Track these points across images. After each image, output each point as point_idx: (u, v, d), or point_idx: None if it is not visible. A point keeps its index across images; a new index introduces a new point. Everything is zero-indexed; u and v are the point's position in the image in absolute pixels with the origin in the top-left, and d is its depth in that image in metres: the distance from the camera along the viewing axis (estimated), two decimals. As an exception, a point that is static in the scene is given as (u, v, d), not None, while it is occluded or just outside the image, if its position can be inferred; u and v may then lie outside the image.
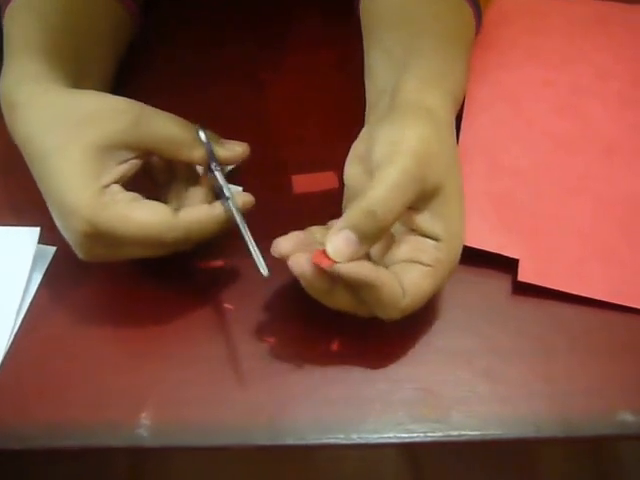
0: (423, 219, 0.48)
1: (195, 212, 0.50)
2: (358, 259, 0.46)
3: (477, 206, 0.56)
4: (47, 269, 0.55)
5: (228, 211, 0.51)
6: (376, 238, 0.47)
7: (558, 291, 0.53)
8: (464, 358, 0.51)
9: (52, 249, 0.56)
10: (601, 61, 0.66)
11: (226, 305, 0.54)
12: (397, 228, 0.49)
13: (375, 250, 0.50)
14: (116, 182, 0.50)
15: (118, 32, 0.63)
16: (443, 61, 0.55)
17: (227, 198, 0.51)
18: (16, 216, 0.53)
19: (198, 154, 0.52)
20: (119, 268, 0.55)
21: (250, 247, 0.49)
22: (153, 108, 0.52)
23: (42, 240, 0.55)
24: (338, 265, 0.46)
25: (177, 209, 0.51)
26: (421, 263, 0.48)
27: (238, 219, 0.50)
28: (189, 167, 0.54)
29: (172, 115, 0.52)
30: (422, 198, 0.48)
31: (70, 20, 0.58)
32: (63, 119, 0.50)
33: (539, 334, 0.53)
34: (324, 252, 0.46)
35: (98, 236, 0.48)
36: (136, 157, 0.51)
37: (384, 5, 0.59)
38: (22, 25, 0.57)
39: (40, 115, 0.51)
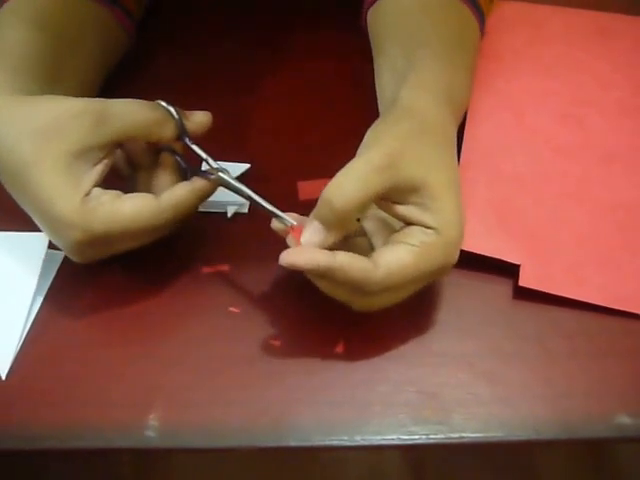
0: (410, 211, 0.48)
1: (177, 192, 0.51)
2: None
3: (479, 212, 0.56)
4: (56, 274, 0.56)
5: (209, 181, 0.52)
6: (339, 226, 0.48)
7: (557, 296, 0.54)
8: (465, 361, 0.52)
9: (61, 254, 0.56)
10: (601, 71, 0.66)
11: (231, 308, 0.54)
12: (392, 223, 0.50)
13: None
14: (95, 185, 0.50)
15: (105, 41, 0.63)
16: (442, 68, 0.55)
17: (217, 169, 0.52)
18: (26, 222, 0.53)
19: (168, 132, 0.52)
20: (126, 274, 0.55)
21: (263, 203, 0.50)
22: (113, 100, 0.51)
23: (51, 245, 0.55)
24: (290, 260, 0.47)
25: (155, 193, 0.51)
26: (406, 243, 0.48)
27: (243, 187, 0.51)
28: (148, 153, 0.54)
29: (134, 100, 0.51)
30: (401, 192, 0.48)
31: (50, 25, 0.58)
32: (29, 132, 0.49)
33: (539, 338, 0.53)
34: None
35: (94, 241, 0.49)
36: (107, 154, 0.50)
37: (389, 16, 0.60)
38: (1, 33, 0.57)
39: (6, 130, 0.50)
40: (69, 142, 0.49)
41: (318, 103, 0.67)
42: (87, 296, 0.54)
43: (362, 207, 0.47)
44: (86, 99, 0.51)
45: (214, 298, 0.55)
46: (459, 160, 0.59)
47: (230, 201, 0.59)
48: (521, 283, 0.54)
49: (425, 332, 0.53)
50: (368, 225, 0.52)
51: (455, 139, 0.54)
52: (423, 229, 0.48)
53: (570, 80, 0.66)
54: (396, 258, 0.47)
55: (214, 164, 0.52)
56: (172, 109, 0.53)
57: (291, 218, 0.50)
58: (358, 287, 0.47)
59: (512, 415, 0.49)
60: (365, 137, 0.51)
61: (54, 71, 0.57)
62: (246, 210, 0.60)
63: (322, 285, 0.49)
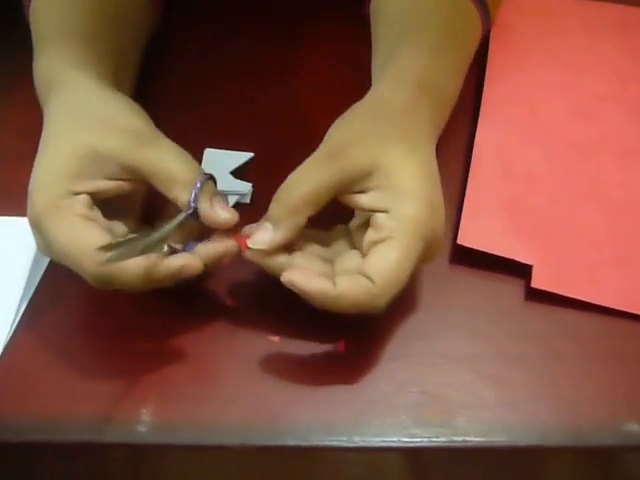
0: (369, 197, 0.48)
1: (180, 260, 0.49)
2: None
3: (491, 210, 0.56)
4: (49, 261, 0.55)
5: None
6: (288, 223, 0.48)
7: (568, 298, 0.53)
8: (470, 362, 0.51)
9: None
10: (619, 64, 0.66)
11: (230, 304, 0.54)
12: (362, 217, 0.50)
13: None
14: (91, 193, 0.49)
15: (143, 21, 0.65)
16: (424, 58, 0.55)
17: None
18: (21, 206, 0.53)
19: (185, 199, 0.49)
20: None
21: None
22: (166, 139, 0.50)
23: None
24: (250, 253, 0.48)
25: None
26: (379, 241, 0.47)
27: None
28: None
29: (182, 151, 0.50)
30: (357, 180, 0.48)
31: (100, 6, 0.59)
32: (84, 113, 0.50)
33: (546, 340, 0.52)
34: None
35: (37, 225, 0.48)
36: (127, 180, 0.50)
37: (388, 6, 0.60)
38: (55, 12, 0.58)
39: (67, 104, 0.51)
40: (101, 141, 0.49)
41: (323, 92, 0.66)
42: (80, 287, 0.53)
43: (313, 202, 0.48)
44: (148, 121, 0.52)
45: (212, 294, 0.54)
46: (471, 155, 0.59)
47: (231, 190, 0.58)
48: (533, 284, 0.53)
49: (430, 331, 0.52)
50: (352, 223, 0.52)
51: (428, 129, 0.53)
52: (386, 215, 0.47)
53: (587, 74, 0.65)
54: (383, 262, 0.46)
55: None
56: (199, 184, 0.49)
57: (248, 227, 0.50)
58: (365, 308, 0.47)
59: (517, 420, 0.49)
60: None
61: (113, 51, 0.58)
62: (248, 200, 0.59)
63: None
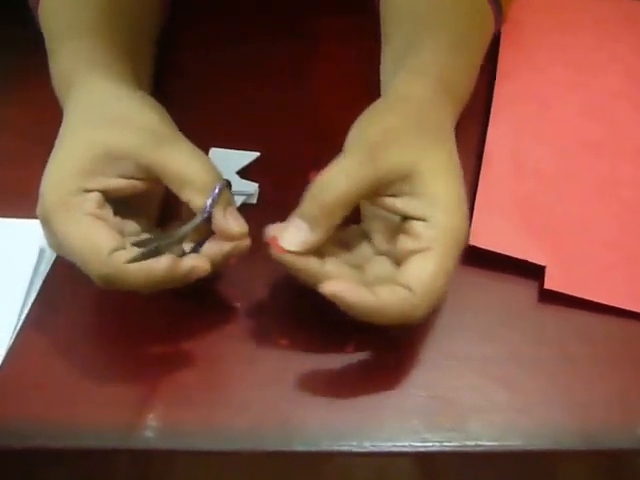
0: (404, 202, 0.48)
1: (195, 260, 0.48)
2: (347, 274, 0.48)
3: (502, 210, 0.56)
4: (53, 263, 0.55)
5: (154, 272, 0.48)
6: (324, 224, 0.47)
7: (583, 299, 0.52)
8: (482, 365, 0.51)
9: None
10: (632, 62, 0.66)
11: (236, 306, 0.53)
12: (392, 220, 0.50)
13: (385, 247, 0.50)
14: (103, 191, 0.48)
15: (152, 15, 0.65)
16: (444, 56, 0.55)
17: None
18: (23, 208, 0.52)
19: (198, 202, 0.49)
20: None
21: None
22: (185, 140, 0.50)
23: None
24: (285, 256, 0.47)
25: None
26: (417, 250, 0.47)
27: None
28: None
29: (199, 153, 0.50)
30: (392, 183, 0.47)
31: (109, 2, 0.59)
32: (100, 112, 0.50)
33: (559, 342, 0.52)
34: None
35: (47, 222, 0.48)
36: (141, 179, 0.49)
37: (398, 2, 0.60)
38: (66, 10, 0.58)
39: (84, 104, 0.51)
40: (117, 139, 0.48)
41: (328, 90, 0.66)
42: (85, 287, 0.53)
43: (349, 203, 0.47)
44: (167, 119, 0.52)
45: (218, 296, 0.54)
46: (482, 154, 0.58)
47: (238, 191, 0.57)
48: (547, 286, 0.53)
49: (441, 334, 0.52)
50: (368, 226, 0.51)
51: (451, 128, 0.53)
52: (424, 224, 0.47)
53: (599, 71, 0.65)
54: (423, 272, 0.46)
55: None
56: (217, 190, 0.49)
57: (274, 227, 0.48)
58: (405, 319, 0.47)
59: (530, 423, 0.48)
60: (351, 128, 0.51)
61: (129, 45, 0.58)
62: (254, 201, 0.59)
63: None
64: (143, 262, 0.46)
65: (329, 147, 0.60)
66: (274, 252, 0.47)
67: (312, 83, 0.67)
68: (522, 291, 0.54)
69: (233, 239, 0.49)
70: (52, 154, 0.50)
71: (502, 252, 0.53)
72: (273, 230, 0.48)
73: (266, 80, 0.67)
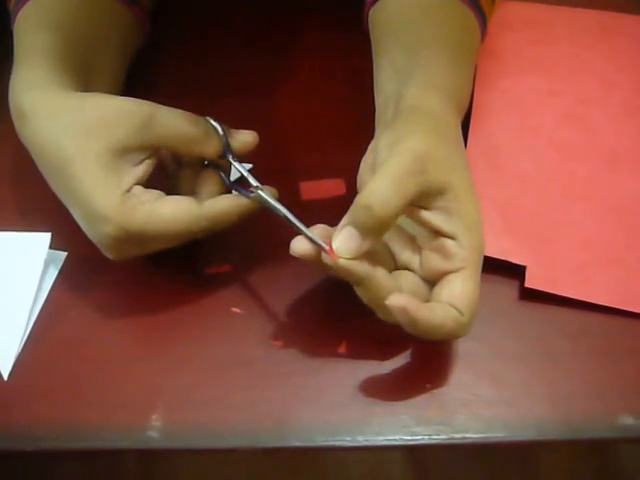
0: (436, 217, 0.48)
1: (220, 203, 0.51)
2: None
3: (484, 213, 0.55)
4: (58, 274, 0.56)
5: (251, 200, 0.52)
6: (377, 232, 0.47)
7: (562, 297, 0.54)
8: (468, 361, 0.52)
9: (63, 254, 0.56)
10: (605, 71, 0.66)
11: (234, 309, 0.54)
12: (418, 232, 0.50)
13: (405, 257, 0.51)
14: (137, 183, 0.50)
15: (126, 39, 0.64)
16: (446, 68, 0.55)
17: (257, 187, 0.51)
18: (27, 222, 0.53)
19: (210, 148, 0.52)
20: (128, 274, 0.55)
21: (299, 225, 0.49)
22: (162, 106, 0.51)
23: (53, 245, 0.56)
24: (342, 261, 0.46)
25: (196, 197, 0.52)
26: (452, 270, 0.48)
27: (280, 207, 0.50)
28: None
29: (182, 112, 0.52)
30: (428, 196, 0.47)
31: (79, 25, 0.58)
32: (73, 127, 0.50)
33: (541, 338, 0.53)
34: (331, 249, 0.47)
35: (130, 238, 0.49)
36: (150, 156, 0.51)
37: (390, 15, 0.60)
38: (31, 30, 0.57)
39: (50, 124, 0.50)
40: (113, 140, 0.49)
41: (320, 102, 0.67)
42: (89, 297, 0.54)
43: (401, 212, 0.47)
44: (135, 100, 0.51)
45: (217, 299, 0.55)
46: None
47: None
48: (527, 284, 0.54)
49: None
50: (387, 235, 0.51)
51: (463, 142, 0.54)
52: (455, 243, 0.48)
53: (574, 80, 0.65)
54: (467, 294, 0.47)
55: (255, 182, 0.52)
56: (219, 127, 0.53)
57: (318, 230, 0.49)
58: (451, 337, 0.49)
59: (515, 416, 0.49)
60: (379, 140, 0.50)
61: (85, 69, 0.57)
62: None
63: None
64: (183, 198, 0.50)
65: (320, 159, 0.61)
66: (327, 259, 0.47)
67: (303, 95, 0.67)
68: (504, 290, 0.55)
69: (253, 144, 0.54)
70: (70, 183, 0.49)
71: (485, 254, 0.53)
72: (324, 235, 0.48)
73: (259, 92, 0.67)
